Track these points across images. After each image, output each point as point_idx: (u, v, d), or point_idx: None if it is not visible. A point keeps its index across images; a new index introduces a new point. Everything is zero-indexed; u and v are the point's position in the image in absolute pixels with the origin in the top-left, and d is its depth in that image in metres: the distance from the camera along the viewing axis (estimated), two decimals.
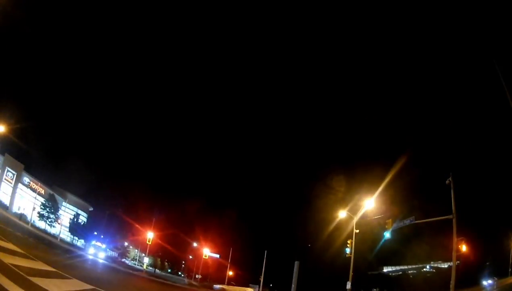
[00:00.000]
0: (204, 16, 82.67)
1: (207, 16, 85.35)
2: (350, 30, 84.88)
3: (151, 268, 76.40)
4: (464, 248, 21.15)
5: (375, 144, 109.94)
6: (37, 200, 64.99)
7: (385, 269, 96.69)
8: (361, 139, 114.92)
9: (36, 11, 56.84)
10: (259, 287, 62.79)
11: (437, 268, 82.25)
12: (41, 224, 62.94)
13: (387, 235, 26.03)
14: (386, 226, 25.94)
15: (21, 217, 57.51)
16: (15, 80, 59.87)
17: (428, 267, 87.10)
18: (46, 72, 77.63)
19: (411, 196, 57.90)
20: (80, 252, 48.19)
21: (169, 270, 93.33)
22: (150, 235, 53.83)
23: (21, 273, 11.05)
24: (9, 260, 12.22)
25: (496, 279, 45.09)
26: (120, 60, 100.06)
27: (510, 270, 46.10)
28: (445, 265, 74.94)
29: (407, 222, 25.07)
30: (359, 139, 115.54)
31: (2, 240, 17.17)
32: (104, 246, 72.68)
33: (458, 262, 21.94)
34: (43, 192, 68.13)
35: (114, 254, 74.66)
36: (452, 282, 20.29)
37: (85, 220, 78.72)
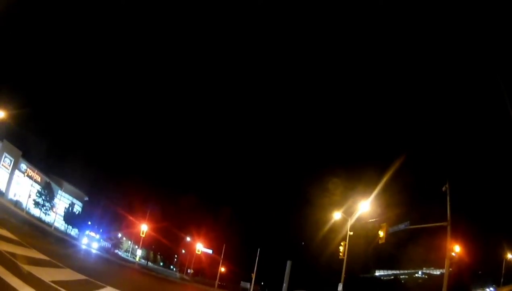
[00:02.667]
0: (203, 16, 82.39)
1: (206, 16, 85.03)
2: (351, 32, 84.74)
3: (143, 260, 76.45)
4: (458, 249, 21.19)
5: (372, 147, 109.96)
6: (33, 187, 64.85)
7: (377, 273, 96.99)
8: (359, 141, 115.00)
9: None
10: (250, 284, 62.81)
11: (429, 274, 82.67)
12: (36, 212, 62.77)
13: (381, 238, 25.98)
14: (381, 230, 25.88)
15: (17, 203, 57.44)
16: (16, 66, 59.42)
17: (420, 273, 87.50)
18: (46, 59, 77.13)
19: (407, 200, 57.85)
20: (74, 242, 48.17)
21: (161, 264, 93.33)
22: (144, 228, 53.54)
23: (15, 260, 11.05)
24: (3, 247, 12.22)
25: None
26: (119, 54, 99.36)
27: (502, 280, 46.04)
28: (437, 272, 75.21)
29: (401, 226, 25.00)
30: (356, 141, 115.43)
31: None
32: (98, 236, 72.53)
33: (451, 269, 21.98)
34: (39, 179, 67.94)
35: (107, 244, 74.56)
36: (444, 289, 20.35)
37: (80, 209, 78.52)
